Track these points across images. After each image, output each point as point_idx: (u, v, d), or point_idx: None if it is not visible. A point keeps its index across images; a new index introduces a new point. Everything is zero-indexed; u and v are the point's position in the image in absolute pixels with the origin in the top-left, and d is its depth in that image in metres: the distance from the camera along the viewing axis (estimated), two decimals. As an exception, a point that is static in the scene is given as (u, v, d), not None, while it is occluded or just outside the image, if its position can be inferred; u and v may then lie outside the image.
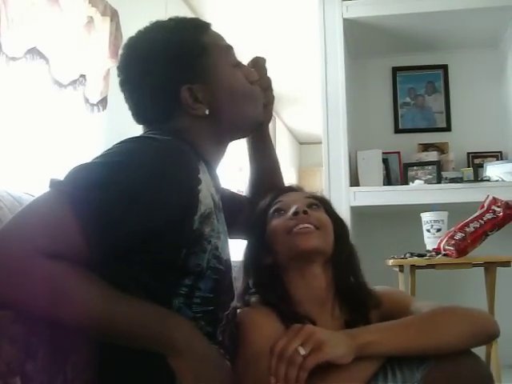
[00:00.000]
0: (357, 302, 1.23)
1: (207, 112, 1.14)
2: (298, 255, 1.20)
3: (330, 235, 1.24)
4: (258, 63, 1.34)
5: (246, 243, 1.30)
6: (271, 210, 1.27)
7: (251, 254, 1.27)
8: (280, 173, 1.48)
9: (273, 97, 1.39)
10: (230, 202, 1.32)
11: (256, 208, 1.32)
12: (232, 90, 1.18)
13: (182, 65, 1.12)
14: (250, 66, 1.31)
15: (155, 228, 0.97)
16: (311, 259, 1.21)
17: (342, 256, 1.25)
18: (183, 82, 1.12)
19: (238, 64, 1.23)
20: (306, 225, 1.20)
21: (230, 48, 1.22)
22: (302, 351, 0.93)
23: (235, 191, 1.50)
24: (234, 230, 1.27)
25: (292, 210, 1.22)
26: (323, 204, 1.30)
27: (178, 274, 1.01)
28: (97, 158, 0.99)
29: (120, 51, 1.20)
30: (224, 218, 1.15)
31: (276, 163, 1.47)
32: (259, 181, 1.43)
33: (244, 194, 1.48)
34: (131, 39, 1.18)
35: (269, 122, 1.44)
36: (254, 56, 1.37)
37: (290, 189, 1.35)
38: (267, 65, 1.36)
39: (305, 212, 1.21)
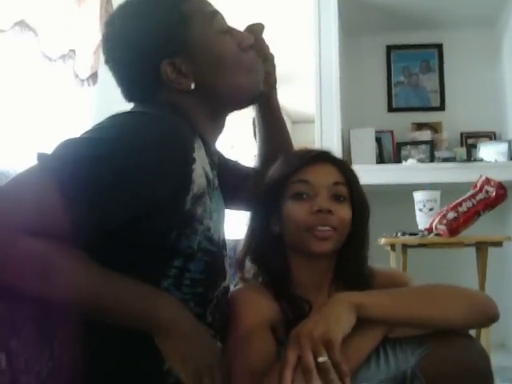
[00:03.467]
0: (355, 286, 1.20)
1: (193, 86, 1.09)
2: (307, 253, 1.15)
3: (346, 233, 1.17)
4: (254, 31, 1.24)
5: (255, 208, 1.21)
6: (293, 188, 1.16)
7: (259, 220, 1.19)
8: (291, 143, 1.41)
9: (273, 66, 1.32)
10: (233, 174, 1.29)
11: (272, 170, 1.20)
12: (219, 60, 1.11)
13: (162, 38, 1.06)
14: None
15: (144, 207, 0.94)
16: (319, 257, 1.16)
17: (352, 246, 1.18)
18: (164, 56, 1.07)
19: (227, 30, 1.14)
20: (327, 228, 1.12)
21: (215, 13, 1.13)
22: (322, 359, 0.89)
23: (240, 162, 1.43)
24: (235, 202, 1.24)
25: (316, 204, 1.12)
26: (350, 183, 1.19)
27: (168, 255, 0.99)
28: (86, 132, 0.95)
29: (103, 25, 1.16)
30: (221, 193, 1.12)
31: (286, 134, 1.41)
32: (268, 152, 1.37)
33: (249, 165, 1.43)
34: (111, 15, 1.14)
35: (272, 88, 1.35)
36: (250, 24, 1.27)
37: (319, 158, 1.19)
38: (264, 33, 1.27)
39: (329, 211, 1.12)
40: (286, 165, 1.19)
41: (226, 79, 1.12)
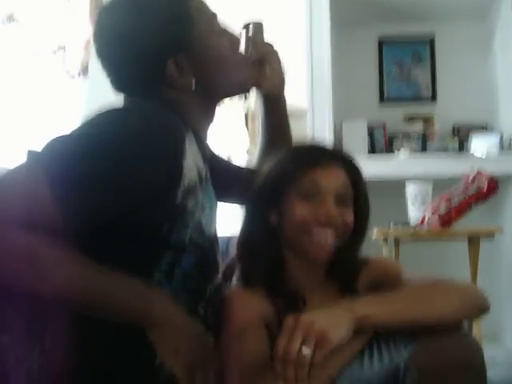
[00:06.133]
0: (349, 273, 1.19)
1: (194, 83, 1.11)
2: (304, 256, 1.13)
3: (346, 237, 1.14)
4: (253, 31, 1.28)
5: (252, 197, 1.16)
6: (302, 187, 1.11)
7: (257, 209, 1.15)
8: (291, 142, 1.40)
9: (277, 59, 1.33)
10: (224, 168, 1.30)
11: (276, 161, 1.16)
12: (219, 59, 1.15)
13: (170, 37, 1.08)
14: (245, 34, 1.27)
15: (134, 201, 0.94)
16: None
17: (350, 245, 1.17)
18: (170, 54, 1.09)
19: (224, 31, 1.19)
20: (328, 231, 1.10)
21: (215, 15, 1.18)
22: (306, 351, 0.89)
23: (234, 163, 1.45)
24: (227, 196, 1.25)
25: (324, 212, 1.09)
26: (356, 185, 1.17)
27: (160, 248, 0.99)
28: (76, 129, 0.96)
29: (96, 15, 1.15)
30: (213, 187, 1.12)
31: (288, 135, 1.40)
32: (268, 147, 1.36)
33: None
34: (109, 10, 1.13)
35: (281, 90, 1.36)
36: (247, 23, 1.30)
37: (331, 160, 1.16)
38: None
39: (334, 218, 1.10)
40: (296, 160, 1.15)
41: (223, 76, 1.17)
